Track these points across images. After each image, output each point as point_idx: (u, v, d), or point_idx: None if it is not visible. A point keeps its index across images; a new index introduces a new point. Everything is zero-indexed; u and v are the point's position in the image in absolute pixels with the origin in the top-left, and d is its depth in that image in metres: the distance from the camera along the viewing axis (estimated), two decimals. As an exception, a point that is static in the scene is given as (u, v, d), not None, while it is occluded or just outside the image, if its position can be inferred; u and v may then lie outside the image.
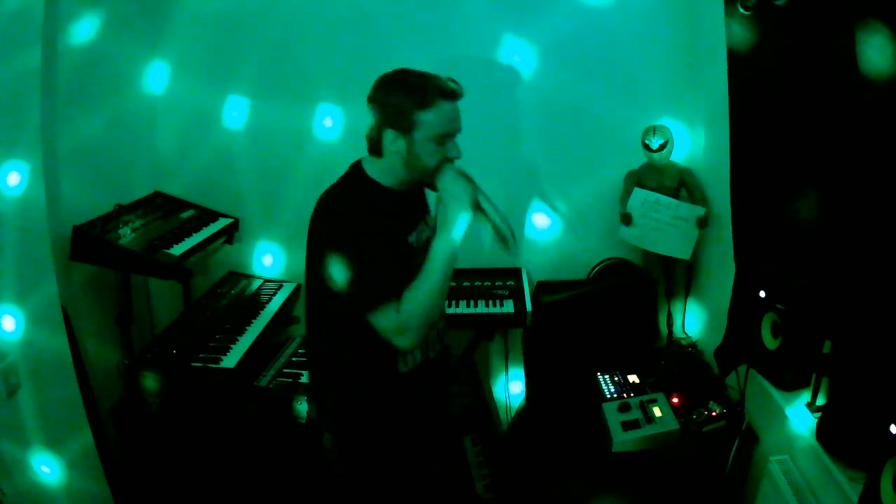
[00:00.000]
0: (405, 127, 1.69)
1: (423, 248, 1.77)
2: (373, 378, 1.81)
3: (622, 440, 2.20)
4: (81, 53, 2.65)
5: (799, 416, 1.90)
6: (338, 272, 1.65)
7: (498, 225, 1.77)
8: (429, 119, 1.68)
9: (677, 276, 3.02)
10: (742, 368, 2.26)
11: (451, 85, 1.71)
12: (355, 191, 1.77)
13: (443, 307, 1.86)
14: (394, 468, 1.88)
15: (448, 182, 1.72)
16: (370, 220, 1.69)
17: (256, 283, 3.21)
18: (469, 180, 1.74)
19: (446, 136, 1.72)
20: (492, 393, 3.26)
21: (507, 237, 1.79)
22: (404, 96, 1.68)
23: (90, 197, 2.70)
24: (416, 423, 1.90)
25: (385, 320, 1.66)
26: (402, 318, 1.66)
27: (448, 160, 1.75)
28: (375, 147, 1.77)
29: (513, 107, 3.06)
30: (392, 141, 1.71)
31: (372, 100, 1.74)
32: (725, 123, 2.35)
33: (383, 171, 1.78)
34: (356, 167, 1.82)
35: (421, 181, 1.80)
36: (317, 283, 1.72)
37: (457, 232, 1.69)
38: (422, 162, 1.72)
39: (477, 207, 1.73)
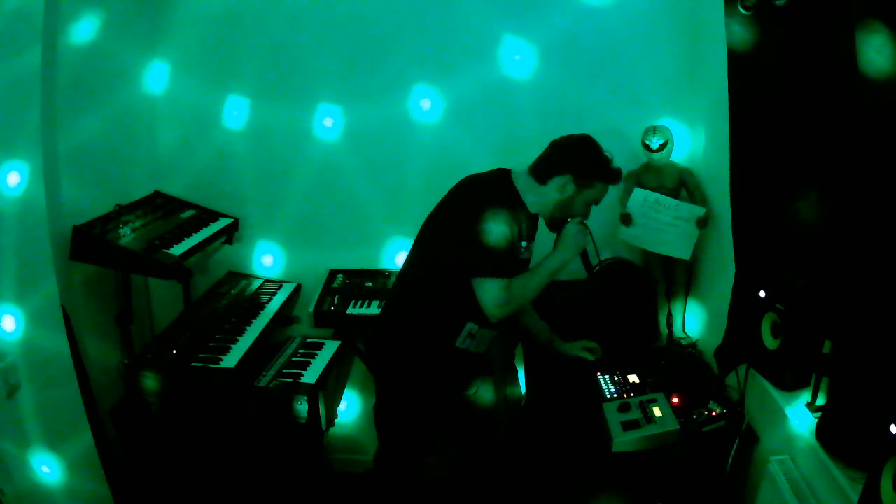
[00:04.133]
0: (583, 183, 2.19)
1: (524, 261, 2.28)
2: (438, 337, 2.24)
3: (622, 440, 2.20)
4: (81, 53, 2.65)
5: (799, 416, 1.90)
6: (476, 245, 2.08)
7: (590, 265, 2.43)
8: (599, 189, 2.24)
9: (677, 276, 3.01)
10: (742, 368, 2.26)
11: (622, 174, 2.27)
12: (505, 195, 2.19)
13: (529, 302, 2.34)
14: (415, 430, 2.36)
15: (574, 231, 2.24)
16: (509, 220, 2.12)
17: (256, 283, 3.21)
18: (587, 234, 2.27)
19: (596, 203, 2.28)
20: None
21: (591, 272, 2.47)
22: (597, 164, 2.20)
23: (90, 197, 2.70)
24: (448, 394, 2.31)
25: (493, 291, 2.10)
26: (508, 294, 2.11)
27: (583, 215, 2.28)
28: (543, 175, 2.20)
29: (512, 106, 3.05)
30: (564, 183, 2.18)
31: (564, 147, 2.21)
32: (725, 123, 2.34)
33: (533, 193, 2.22)
34: (507, 178, 2.24)
35: (552, 218, 2.28)
36: (441, 249, 2.19)
37: (563, 260, 2.22)
38: (573, 210, 2.25)
39: (582, 253, 2.30)
